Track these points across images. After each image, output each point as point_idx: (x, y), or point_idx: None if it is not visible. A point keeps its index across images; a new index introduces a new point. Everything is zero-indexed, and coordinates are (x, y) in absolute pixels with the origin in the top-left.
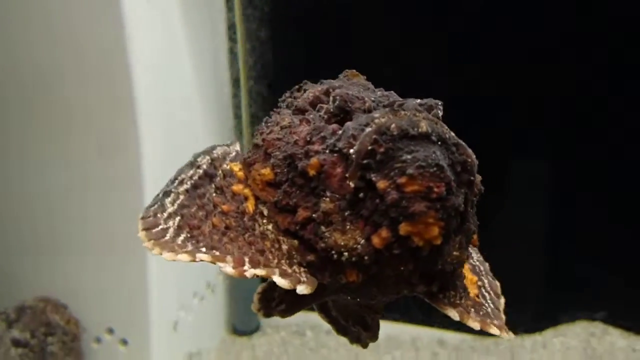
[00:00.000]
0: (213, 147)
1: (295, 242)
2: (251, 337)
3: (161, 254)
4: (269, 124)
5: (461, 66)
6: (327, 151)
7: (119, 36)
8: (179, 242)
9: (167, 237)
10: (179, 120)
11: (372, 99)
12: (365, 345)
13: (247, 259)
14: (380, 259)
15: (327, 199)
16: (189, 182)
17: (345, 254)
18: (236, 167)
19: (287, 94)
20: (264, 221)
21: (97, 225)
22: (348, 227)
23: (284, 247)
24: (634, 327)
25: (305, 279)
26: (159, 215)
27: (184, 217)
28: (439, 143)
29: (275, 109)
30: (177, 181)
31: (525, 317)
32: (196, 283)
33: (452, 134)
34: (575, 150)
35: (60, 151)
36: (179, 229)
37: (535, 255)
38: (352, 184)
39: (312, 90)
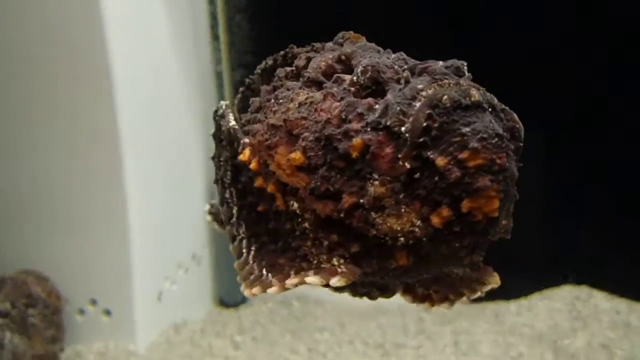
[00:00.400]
0: (226, 109)
1: (335, 236)
2: (238, 308)
3: (248, 284)
4: (280, 100)
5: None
6: (369, 129)
7: (98, 28)
8: (251, 261)
9: (244, 254)
10: (158, 102)
11: (391, 61)
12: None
13: (292, 272)
14: (437, 238)
15: (377, 182)
16: (228, 170)
17: (402, 238)
18: (245, 156)
19: (270, 61)
20: (299, 219)
21: (79, 197)
22: (403, 210)
23: (325, 243)
24: (618, 290)
25: (343, 270)
26: (232, 220)
27: (247, 225)
28: (490, 110)
29: (265, 82)
30: (222, 165)
31: (511, 283)
32: (181, 254)
33: (497, 100)
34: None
35: (46, 131)
36: (249, 241)
37: (521, 221)
38: (407, 165)
39: (322, 58)
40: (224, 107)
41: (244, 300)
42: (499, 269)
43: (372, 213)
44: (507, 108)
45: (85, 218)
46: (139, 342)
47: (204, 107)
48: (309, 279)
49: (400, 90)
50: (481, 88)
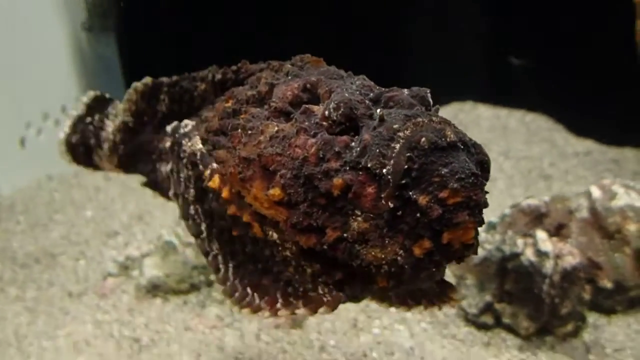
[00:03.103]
0: (185, 133)
1: (318, 266)
2: None
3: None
4: (248, 131)
5: None
6: (348, 169)
7: None
8: (231, 277)
9: (222, 269)
10: None
11: (356, 90)
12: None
13: (279, 296)
14: (418, 265)
15: (360, 219)
16: (191, 189)
17: (385, 266)
18: (215, 184)
19: (219, 75)
20: (279, 248)
21: None
22: (387, 242)
23: (308, 270)
24: (500, 102)
25: (328, 299)
26: (202, 236)
27: (220, 243)
28: (463, 148)
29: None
30: (182, 181)
31: None
32: (49, 105)
33: (467, 136)
34: None
35: None
36: (224, 259)
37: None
38: (390, 204)
39: (288, 87)
40: (189, 127)
41: None
42: None
43: (356, 245)
44: (476, 142)
45: None
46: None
47: None
48: (298, 312)
49: (375, 128)
50: (451, 124)
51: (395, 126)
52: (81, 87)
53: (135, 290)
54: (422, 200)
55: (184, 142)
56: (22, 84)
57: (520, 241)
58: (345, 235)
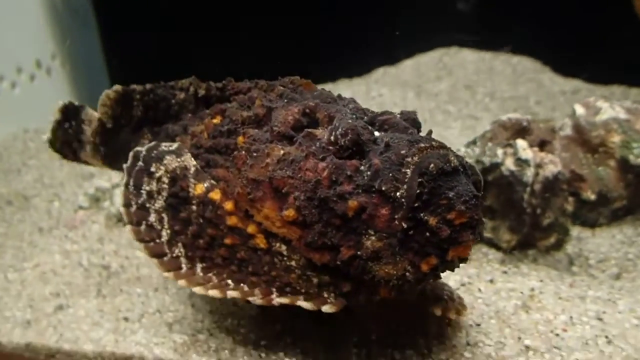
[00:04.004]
0: (160, 152)
1: (327, 278)
2: None
3: (190, 288)
4: (253, 154)
5: None
6: (361, 191)
7: None
8: (201, 274)
9: (185, 268)
10: None
11: (352, 114)
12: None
13: (274, 290)
14: (422, 279)
15: (374, 238)
16: (160, 201)
17: (395, 281)
18: (217, 196)
19: (203, 91)
20: (284, 258)
21: None
22: (398, 259)
23: (314, 280)
24: (486, 46)
25: (332, 301)
26: (157, 240)
27: (187, 247)
28: (463, 171)
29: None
30: (144, 194)
31: (383, 51)
32: (23, 59)
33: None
34: None
35: None
36: (190, 260)
37: None
38: (403, 224)
39: (288, 112)
40: (174, 147)
41: None
42: None
43: (369, 262)
44: (471, 164)
45: None
46: None
47: None
48: (300, 304)
49: (382, 154)
50: (450, 149)
51: (403, 152)
52: (55, 41)
53: (106, 220)
54: (432, 221)
55: (166, 158)
56: None
57: (500, 151)
58: (359, 253)
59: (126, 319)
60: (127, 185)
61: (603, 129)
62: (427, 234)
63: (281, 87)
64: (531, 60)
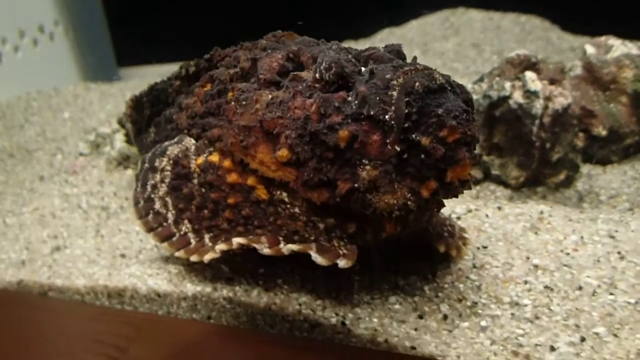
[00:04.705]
0: (163, 148)
1: (332, 220)
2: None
3: (202, 260)
4: (242, 102)
5: None
6: (350, 121)
7: None
8: (210, 243)
9: (193, 242)
10: None
11: (336, 53)
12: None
13: (281, 238)
14: (424, 207)
15: (369, 167)
16: (163, 186)
17: (397, 212)
18: (215, 158)
19: (193, 67)
20: (287, 205)
21: None
22: (396, 186)
23: (320, 225)
24: (493, 5)
25: (345, 252)
26: (164, 224)
27: (193, 221)
28: (450, 89)
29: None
30: (149, 187)
31: (388, 12)
32: (25, 24)
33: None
34: None
35: None
36: (197, 233)
37: None
38: (396, 148)
39: (272, 59)
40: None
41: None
42: None
43: (367, 194)
44: (460, 83)
45: None
46: None
47: None
48: (314, 256)
49: (368, 81)
50: (436, 69)
51: (388, 76)
52: (59, 7)
53: (106, 164)
54: (425, 140)
55: (168, 149)
56: None
57: (507, 84)
58: (356, 185)
59: (123, 256)
60: (135, 189)
61: (615, 66)
62: (422, 155)
63: (264, 42)
64: (539, 19)
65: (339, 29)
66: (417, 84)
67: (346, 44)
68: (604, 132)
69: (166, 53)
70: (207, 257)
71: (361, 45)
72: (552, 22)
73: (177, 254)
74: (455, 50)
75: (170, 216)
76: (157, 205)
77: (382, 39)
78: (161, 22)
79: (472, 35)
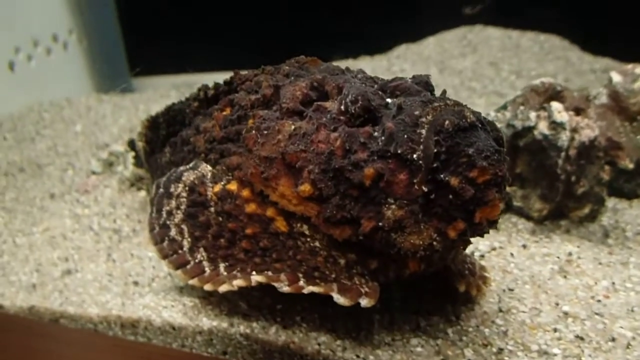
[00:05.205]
0: (178, 173)
1: (353, 255)
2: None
3: (216, 289)
4: (263, 132)
5: None
6: (376, 158)
7: None
8: (224, 273)
9: (208, 271)
10: None
11: (361, 83)
12: None
13: (301, 275)
14: (450, 246)
15: (394, 206)
16: (179, 213)
17: (422, 252)
18: (233, 187)
19: (211, 91)
20: (307, 239)
21: None
22: (422, 227)
23: (341, 261)
24: (512, 24)
25: (366, 290)
26: (180, 251)
27: (208, 250)
28: (481, 127)
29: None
30: (164, 213)
31: (405, 27)
32: (39, 33)
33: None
34: None
35: None
36: (213, 261)
37: None
38: (424, 188)
39: (296, 87)
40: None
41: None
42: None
43: (392, 234)
44: (490, 120)
45: None
46: None
47: None
48: (336, 297)
49: (395, 117)
50: (466, 105)
51: (417, 112)
52: (73, 16)
53: (119, 184)
54: (454, 181)
55: (184, 175)
56: (12, 10)
57: (533, 114)
58: (380, 224)
59: (136, 283)
60: (151, 214)
61: None
62: (450, 196)
63: (287, 67)
64: (559, 39)
65: (356, 45)
66: (447, 122)
67: (362, 60)
68: (630, 165)
69: (180, 64)
70: (222, 288)
71: (377, 61)
72: (571, 42)
73: (190, 282)
74: (472, 68)
75: (186, 244)
76: (173, 232)
77: (398, 55)
78: (175, 33)
79: (490, 54)
